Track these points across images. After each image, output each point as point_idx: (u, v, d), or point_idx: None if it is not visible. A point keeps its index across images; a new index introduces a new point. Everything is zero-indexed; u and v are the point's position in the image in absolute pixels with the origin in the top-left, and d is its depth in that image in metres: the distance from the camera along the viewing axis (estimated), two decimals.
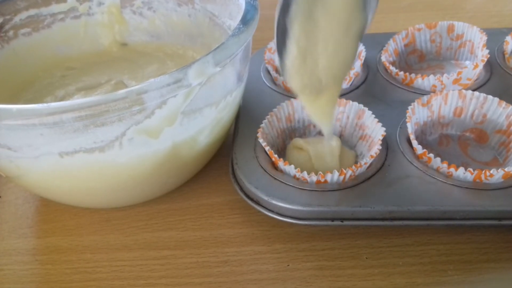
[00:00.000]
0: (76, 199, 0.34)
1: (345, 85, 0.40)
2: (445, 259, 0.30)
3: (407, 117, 0.33)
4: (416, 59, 0.44)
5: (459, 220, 0.29)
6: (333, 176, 0.30)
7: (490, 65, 0.40)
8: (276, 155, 0.32)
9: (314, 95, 0.29)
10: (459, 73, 0.37)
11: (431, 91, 0.38)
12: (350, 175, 0.31)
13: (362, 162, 0.31)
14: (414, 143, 0.32)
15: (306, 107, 0.31)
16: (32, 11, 0.41)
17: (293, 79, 0.28)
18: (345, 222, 0.30)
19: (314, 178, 0.31)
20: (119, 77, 0.42)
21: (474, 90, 0.36)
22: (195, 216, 0.34)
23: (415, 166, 0.32)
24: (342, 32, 0.26)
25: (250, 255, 0.31)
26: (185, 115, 0.28)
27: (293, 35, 0.26)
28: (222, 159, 0.38)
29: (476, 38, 0.41)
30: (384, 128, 0.32)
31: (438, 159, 0.31)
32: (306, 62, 0.27)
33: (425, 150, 0.31)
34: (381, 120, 0.33)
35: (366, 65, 0.42)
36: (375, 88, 0.40)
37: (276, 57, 0.29)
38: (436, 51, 0.44)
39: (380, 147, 0.32)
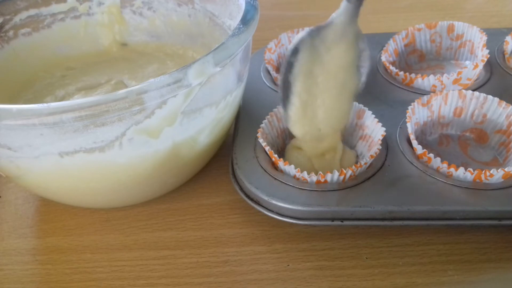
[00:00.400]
0: (76, 199, 0.34)
1: None
2: (445, 259, 0.30)
3: (407, 117, 0.33)
4: (416, 59, 0.44)
5: (459, 220, 0.29)
6: (333, 176, 0.30)
7: (490, 65, 0.40)
8: (276, 155, 0.32)
9: (315, 142, 0.32)
10: (459, 73, 0.37)
11: (431, 91, 0.38)
12: (350, 175, 0.31)
13: (362, 162, 0.31)
14: (414, 143, 0.32)
15: (311, 153, 0.34)
16: (32, 11, 0.41)
17: (295, 127, 0.32)
18: (345, 222, 0.30)
19: (314, 178, 0.31)
20: (119, 77, 0.42)
21: (474, 90, 0.36)
22: (195, 216, 0.34)
23: (415, 166, 0.32)
24: (338, 89, 0.30)
25: (250, 255, 0.31)
26: (185, 115, 0.28)
27: (295, 89, 0.30)
28: (222, 159, 0.38)
29: (476, 38, 0.41)
30: (384, 128, 0.32)
31: (438, 159, 0.31)
32: (307, 113, 0.31)
33: (425, 150, 0.31)
34: (381, 120, 0.33)
35: None
36: (375, 88, 0.40)
37: (280, 108, 0.33)
38: (436, 51, 0.44)
39: (380, 147, 0.32)
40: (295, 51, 0.30)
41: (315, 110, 0.31)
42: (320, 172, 0.30)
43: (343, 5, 0.28)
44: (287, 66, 0.30)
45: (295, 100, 0.31)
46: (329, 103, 0.31)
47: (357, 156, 0.35)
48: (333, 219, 0.30)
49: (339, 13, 0.29)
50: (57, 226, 0.35)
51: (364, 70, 0.31)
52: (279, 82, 0.31)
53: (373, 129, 0.34)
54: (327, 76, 0.30)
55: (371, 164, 0.32)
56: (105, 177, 0.30)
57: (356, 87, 0.31)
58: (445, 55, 0.44)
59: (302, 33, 0.30)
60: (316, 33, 0.29)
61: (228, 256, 0.31)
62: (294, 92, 0.31)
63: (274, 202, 0.30)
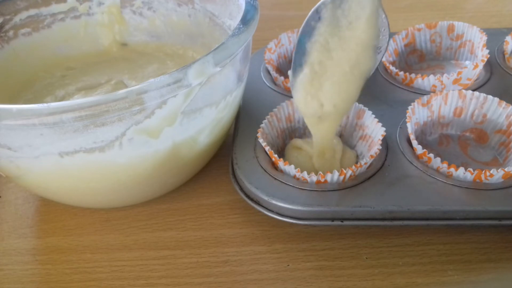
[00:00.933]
0: (76, 199, 0.34)
1: None
2: (445, 259, 0.30)
3: (407, 117, 0.33)
4: (416, 59, 0.44)
5: (459, 220, 0.29)
6: (333, 176, 0.30)
7: (490, 65, 0.40)
8: (276, 155, 0.32)
9: (316, 119, 0.32)
10: (459, 73, 0.37)
11: (431, 91, 0.38)
12: (350, 175, 0.31)
13: (362, 162, 0.31)
14: (414, 143, 0.32)
15: (310, 128, 0.33)
16: (32, 11, 0.41)
17: (298, 93, 0.32)
18: (345, 222, 0.30)
19: (314, 178, 0.31)
20: (119, 77, 0.42)
21: (474, 90, 0.36)
22: (195, 216, 0.34)
23: (415, 166, 0.32)
24: (350, 66, 0.30)
25: (250, 255, 0.31)
26: (185, 115, 0.28)
27: (309, 58, 0.30)
28: (222, 159, 0.38)
29: (476, 38, 0.41)
30: (384, 128, 0.32)
31: (438, 159, 0.31)
32: (313, 83, 0.31)
33: (425, 150, 0.31)
34: (381, 120, 0.33)
35: None
36: (375, 88, 0.40)
37: (290, 72, 0.32)
38: (436, 51, 0.44)
39: (380, 147, 0.32)
40: (316, 13, 0.30)
41: (323, 82, 0.30)
42: (320, 172, 0.30)
43: None
44: (305, 29, 0.30)
45: (306, 68, 0.30)
46: (337, 78, 0.30)
47: (357, 156, 0.35)
48: (333, 219, 0.30)
49: None
50: (57, 226, 0.35)
51: (381, 53, 0.30)
52: (295, 45, 0.31)
53: (373, 129, 0.34)
54: (342, 50, 0.30)
55: (371, 164, 0.32)
56: (105, 177, 0.30)
57: (369, 69, 0.30)
58: (445, 55, 0.44)
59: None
60: (338, 0, 0.29)
61: (228, 256, 0.31)
62: (307, 61, 0.30)
63: (274, 202, 0.30)
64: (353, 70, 0.30)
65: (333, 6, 0.29)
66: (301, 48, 0.31)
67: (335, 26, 0.30)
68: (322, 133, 0.33)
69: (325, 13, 0.30)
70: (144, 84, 0.25)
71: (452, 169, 0.30)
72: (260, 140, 0.33)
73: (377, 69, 0.42)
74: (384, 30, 0.30)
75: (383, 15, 0.29)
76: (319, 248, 0.31)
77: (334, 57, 0.30)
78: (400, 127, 0.35)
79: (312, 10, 0.30)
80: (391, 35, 0.42)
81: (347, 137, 0.36)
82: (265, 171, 0.32)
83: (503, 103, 0.33)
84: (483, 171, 0.29)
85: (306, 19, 0.30)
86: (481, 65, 0.37)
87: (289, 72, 0.32)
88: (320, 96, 0.31)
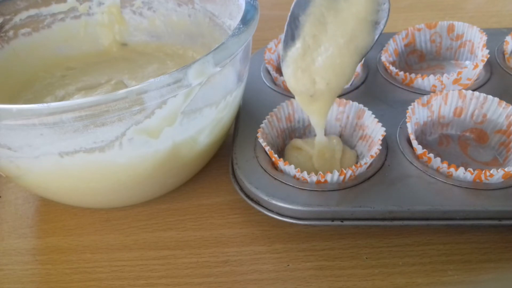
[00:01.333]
0: (76, 199, 0.34)
1: (346, 85, 0.40)
2: (445, 259, 0.30)
3: (407, 117, 0.33)
4: (416, 59, 0.44)
5: (459, 220, 0.29)
6: (333, 176, 0.30)
7: (490, 65, 0.40)
8: (276, 155, 0.32)
9: (308, 98, 0.30)
10: (459, 73, 0.37)
11: (431, 91, 0.38)
12: (350, 175, 0.31)
13: (362, 162, 0.31)
14: (414, 143, 0.32)
15: (302, 107, 0.32)
16: (32, 11, 0.41)
17: (288, 67, 0.30)
18: (345, 222, 0.30)
19: (314, 178, 0.31)
20: (119, 77, 0.42)
21: (474, 90, 0.36)
22: (195, 216, 0.34)
23: (415, 166, 0.32)
24: (345, 40, 0.28)
25: (250, 255, 0.31)
26: (185, 115, 0.28)
27: (302, 31, 0.29)
28: (222, 159, 0.38)
29: (476, 38, 0.41)
30: (384, 128, 0.32)
31: (438, 159, 0.31)
32: (305, 58, 0.29)
33: (425, 150, 0.31)
34: (381, 120, 0.33)
35: (366, 65, 0.42)
36: (375, 88, 0.40)
37: (280, 45, 0.30)
38: (436, 51, 0.44)
39: (380, 147, 0.32)
40: None
41: (315, 57, 0.29)
42: (320, 172, 0.30)
43: None
44: (299, 0, 0.28)
45: (298, 42, 0.29)
46: (331, 53, 0.29)
47: (357, 156, 0.35)
48: (333, 219, 0.30)
49: None
50: (57, 226, 0.35)
51: (379, 28, 0.29)
52: (288, 16, 0.29)
53: (373, 129, 0.34)
54: (338, 24, 0.28)
55: (371, 164, 0.32)
56: (105, 177, 0.30)
57: (366, 45, 0.29)
58: (445, 55, 0.44)
59: None
60: None
61: (228, 256, 0.31)
62: (300, 34, 0.29)
63: (274, 202, 0.30)
64: (348, 44, 0.28)
65: None
66: (294, 21, 0.29)
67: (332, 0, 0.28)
68: (315, 113, 0.31)
69: None
70: (144, 84, 0.25)
71: (452, 169, 0.30)
72: (260, 140, 0.33)
73: (377, 69, 0.42)
74: (384, 4, 0.28)
75: None
76: (319, 248, 0.31)
77: (329, 30, 0.28)
78: (400, 127, 0.35)
79: None
80: (391, 35, 0.43)
81: (347, 137, 0.36)
82: (265, 171, 0.32)
83: (503, 103, 0.33)
84: (483, 171, 0.29)
85: None
86: (481, 65, 0.37)
87: (280, 46, 0.31)
88: (312, 72, 0.29)
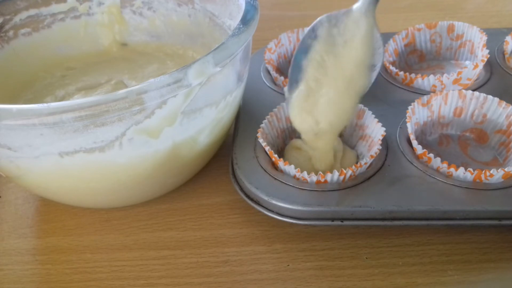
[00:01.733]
0: (76, 199, 0.34)
1: None
2: (445, 259, 0.30)
3: (407, 117, 0.33)
4: (416, 59, 0.44)
5: (459, 220, 0.29)
6: (333, 176, 0.30)
7: (490, 65, 0.40)
8: (276, 155, 0.32)
9: (313, 136, 0.32)
10: (459, 73, 0.37)
11: (431, 91, 0.38)
12: (350, 175, 0.31)
13: (362, 162, 0.31)
14: (414, 143, 0.32)
15: (308, 144, 0.34)
16: (32, 11, 0.41)
17: (293, 109, 0.32)
18: (345, 222, 0.30)
19: (314, 178, 0.31)
20: (119, 77, 0.42)
21: (474, 90, 0.36)
22: (195, 216, 0.34)
23: (415, 166, 0.32)
24: (344, 84, 0.30)
25: (250, 255, 0.31)
26: (185, 115, 0.28)
27: (305, 75, 0.31)
28: (222, 159, 0.38)
29: (476, 38, 0.41)
30: (384, 128, 0.32)
31: (438, 159, 0.31)
32: (308, 100, 0.31)
33: (425, 150, 0.31)
34: (381, 120, 0.33)
35: None
36: (375, 88, 0.40)
37: (285, 88, 0.33)
38: (436, 51, 0.44)
39: (380, 147, 0.32)
40: (312, 31, 0.30)
41: (318, 99, 0.31)
42: (320, 172, 0.31)
43: None
44: (301, 47, 0.31)
45: (302, 85, 0.31)
46: (332, 96, 0.31)
47: (357, 156, 0.35)
48: (333, 219, 0.30)
49: (357, 3, 0.30)
50: (57, 226, 0.35)
51: (376, 71, 0.31)
52: (291, 61, 0.31)
53: (373, 129, 0.34)
54: (338, 68, 0.30)
55: (371, 164, 0.32)
56: (105, 177, 0.30)
57: (363, 87, 0.31)
58: (445, 55, 0.44)
59: (321, 16, 0.31)
60: (334, 19, 0.30)
61: (228, 256, 0.31)
62: (303, 78, 0.31)
63: (274, 202, 0.30)
64: (347, 87, 0.31)
65: (329, 25, 0.30)
66: (297, 65, 0.31)
67: (330, 44, 0.30)
68: (320, 148, 0.33)
69: (322, 31, 0.30)
70: (144, 84, 0.25)
71: (452, 169, 0.30)
72: (260, 140, 0.33)
73: None
74: (379, 49, 0.30)
75: (378, 34, 0.30)
76: (319, 248, 0.31)
77: (330, 74, 0.30)
78: (400, 127, 0.35)
79: (309, 28, 0.31)
80: (391, 35, 0.43)
81: (347, 137, 0.36)
82: (265, 171, 0.32)
83: (503, 103, 0.33)
84: (483, 171, 0.29)
85: (302, 37, 0.31)
86: (481, 65, 0.37)
87: (285, 89, 0.33)
88: (315, 113, 0.31)
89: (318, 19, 0.30)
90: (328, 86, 0.31)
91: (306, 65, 0.31)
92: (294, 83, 0.32)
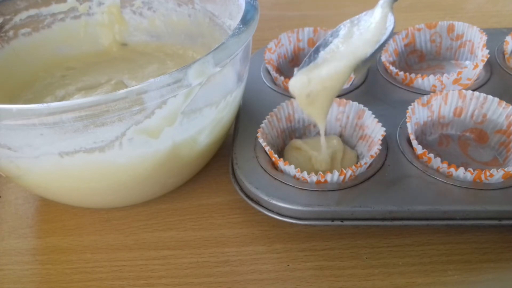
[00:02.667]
0: (76, 199, 0.34)
1: (346, 85, 0.40)
2: (445, 259, 0.30)
3: (407, 117, 0.33)
4: (416, 59, 0.44)
5: (459, 220, 0.29)
6: (333, 176, 0.30)
7: (490, 65, 0.40)
8: (276, 155, 0.32)
9: (306, 98, 0.31)
10: (459, 73, 0.37)
11: (431, 91, 0.38)
12: (350, 175, 0.31)
13: (362, 162, 0.31)
14: (414, 143, 0.32)
15: (302, 108, 0.33)
16: (32, 11, 0.41)
17: (294, 77, 0.32)
18: (345, 222, 0.30)
19: (314, 178, 0.31)
20: (119, 77, 0.42)
21: (474, 90, 0.36)
22: (195, 216, 0.34)
23: (415, 166, 0.32)
24: (346, 52, 0.31)
25: (250, 255, 0.31)
26: (185, 115, 0.28)
27: (317, 58, 0.32)
28: (222, 159, 0.38)
29: (476, 38, 0.41)
30: (384, 128, 0.32)
31: (438, 159, 0.31)
32: (312, 70, 0.31)
33: (425, 150, 0.31)
34: (381, 120, 0.33)
35: None
36: (375, 88, 0.40)
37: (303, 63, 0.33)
38: (436, 51, 0.44)
39: (380, 147, 0.32)
40: (336, 31, 0.33)
41: (321, 69, 0.31)
42: (320, 172, 0.31)
43: None
44: (322, 42, 0.33)
45: (312, 64, 0.32)
46: (330, 59, 0.31)
47: (357, 156, 0.35)
48: (333, 219, 0.30)
49: (380, 3, 0.32)
50: (57, 226, 0.35)
51: (379, 43, 0.31)
52: (309, 53, 0.33)
53: (373, 129, 0.34)
54: (347, 46, 0.31)
55: (371, 164, 0.32)
56: (105, 177, 0.30)
57: (364, 54, 0.31)
58: (445, 55, 0.44)
59: (346, 20, 0.33)
60: (357, 20, 0.32)
61: (228, 256, 0.31)
62: (314, 59, 0.32)
63: (274, 202, 0.30)
64: (348, 53, 0.31)
65: (351, 25, 0.32)
66: (314, 53, 0.32)
67: (348, 37, 0.32)
68: (314, 115, 0.32)
69: (343, 31, 0.32)
70: (144, 84, 0.25)
71: (452, 169, 0.30)
72: (260, 140, 0.33)
73: (377, 69, 0.42)
74: (389, 26, 0.31)
75: (392, 18, 0.32)
76: (319, 248, 0.31)
77: (338, 51, 0.31)
78: (400, 127, 0.35)
79: (332, 30, 0.33)
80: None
81: (347, 137, 0.36)
82: (265, 171, 0.32)
83: (503, 103, 0.33)
84: (483, 171, 0.29)
85: (325, 36, 0.33)
86: (481, 65, 0.37)
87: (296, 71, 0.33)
88: (310, 75, 0.31)
89: (343, 22, 0.32)
90: (332, 57, 0.31)
91: (323, 55, 0.32)
92: (305, 64, 0.32)
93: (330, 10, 0.60)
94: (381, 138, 0.32)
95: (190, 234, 0.33)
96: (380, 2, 0.33)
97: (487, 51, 0.38)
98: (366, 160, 0.31)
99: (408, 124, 0.32)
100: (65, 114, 0.24)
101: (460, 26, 0.42)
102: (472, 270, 0.29)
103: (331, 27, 0.45)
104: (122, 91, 0.24)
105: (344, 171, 0.30)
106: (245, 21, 0.30)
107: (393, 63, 0.42)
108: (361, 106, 0.35)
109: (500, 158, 0.34)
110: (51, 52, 0.43)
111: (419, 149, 0.31)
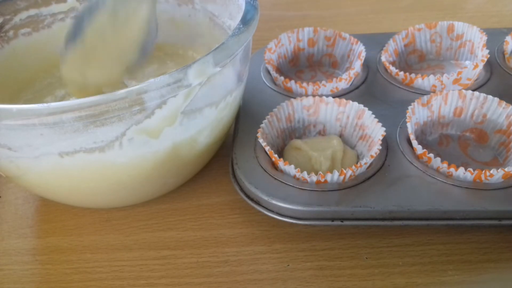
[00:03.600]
0: (76, 199, 0.34)
1: (345, 85, 0.40)
2: (445, 259, 0.30)
3: (407, 117, 0.33)
4: (416, 59, 0.44)
5: (459, 220, 0.29)
6: (333, 176, 0.30)
7: (490, 65, 0.40)
8: (276, 155, 0.32)
9: (78, 89, 0.33)
10: (459, 73, 0.37)
11: (431, 91, 0.38)
12: (350, 175, 0.31)
13: (362, 162, 0.31)
14: (414, 143, 0.32)
15: (74, 95, 0.35)
16: (32, 11, 0.41)
17: (66, 64, 0.33)
18: (345, 222, 0.30)
19: (314, 178, 0.31)
20: None
21: (474, 90, 0.36)
22: (195, 216, 0.34)
23: (415, 166, 0.32)
24: (117, 54, 0.32)
25: (250, 255, 0.31)
26: (185, 115, 0.28)
27: (85, 36, 0.32)
28: (222, 159, 0.38)
29: (476, 38, 0.41)
30: (384, 128, 0.32)
31: (438, 159, 0.31)
32: (83, 58, 0.32)
33: (425, 150, 0.31)
34: (381, 120, 0.33)
35: (366, 65, 0.42)
36: (375, 88, 0.40)
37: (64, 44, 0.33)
38: (436, 51, 0.44)
39: (380, 147, 0.32)
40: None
41: (91, 60, 0.32)
42: (320, 172, 0.31)
43: None
44: (89, 4, 0.32)
45: (79, 44, 0.32)
46: (104, 60, 0.32)
47: (357, 156, 0.35)
48: (333, 219, 0.30)
49: None
50: (57, 226, 0.35)
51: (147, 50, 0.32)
52: (76, 15, 0.33)
53: (373, 129, 0.34)
54: (114, 40, 0.32)
55: (371, 164, 0.32)
56: (105, 177, 0.30)
57: (132, 61, 0.32)
58: (445, 55, 0.44)
59: None
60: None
61: (228, 256, 0.31)
62: (82, 38, 0.32)
63: (274, 202, 0.30)
64: (119, 57, 0.32)
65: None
66: (79, 22, 0.32)
67: (114, 15, 0.31)
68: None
69: (104, 6, 0.31)
70: (144, 84, 0.25)
71: (452, 169, 0.30)
72: (260, 140, 0.33)
73: (377, 69, 0.42)
74: (153, 32, 0.32)
75: (154, 25, 0.32)
76: (319, 248, 0.31)
77: (107, 43, 0.32)
78: (400, 127, 0.35)
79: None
80: (391, 35, 0.43)
81: (347, 137, 0.36)
82: (265, 171, 0.32)
83: (503, 103, 0.33)
84: (483, 171, 0.29)
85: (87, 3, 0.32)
86: (481, 65, 0.37)
87: (63, 46, 0.33)
88: (85, 71, 0.32)
89: None
90: (103, 51, 0.32)
91: (87, 25, 0.32)
92: (72, 39, 0.32)
93: (330, 10, 0.60)
94: (381, 138, 0.32)
95: (190, 234, 0.33)
96: None
97: (487, 51, 0.38)
98: (366, 160, 0.31)
99: (408, 124, 0.32)
100: (65, 114, 0.24)
101: (460, 26, 0.42)
102: (472, 270, 0.29)
103: (331, 27, 0.45)
104: (122, 91, 0.24)
105: (344, 171, 0.30)
106: (245, 21, 0.30)
107: (393, 63, 0.42)
108: (361, 106, 0.35)
109: (500, 158, 0.34)
110: (51, 52, 0.43)
111: (419, 149, 0.31)
